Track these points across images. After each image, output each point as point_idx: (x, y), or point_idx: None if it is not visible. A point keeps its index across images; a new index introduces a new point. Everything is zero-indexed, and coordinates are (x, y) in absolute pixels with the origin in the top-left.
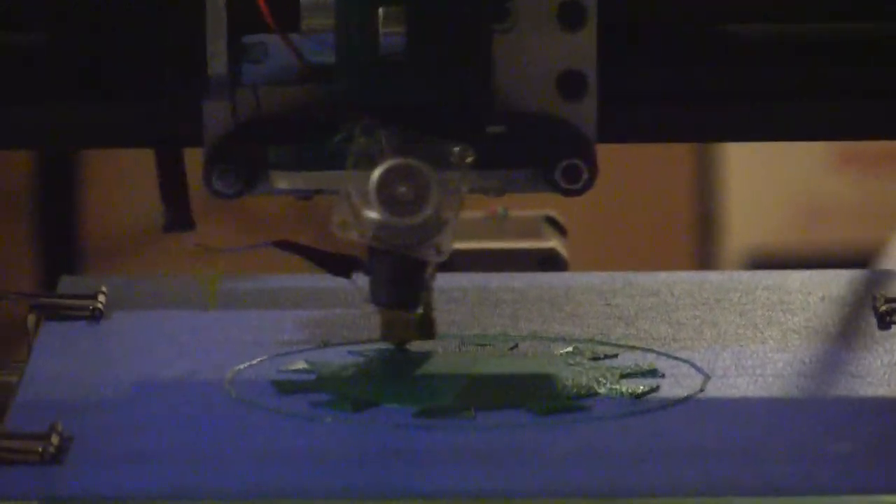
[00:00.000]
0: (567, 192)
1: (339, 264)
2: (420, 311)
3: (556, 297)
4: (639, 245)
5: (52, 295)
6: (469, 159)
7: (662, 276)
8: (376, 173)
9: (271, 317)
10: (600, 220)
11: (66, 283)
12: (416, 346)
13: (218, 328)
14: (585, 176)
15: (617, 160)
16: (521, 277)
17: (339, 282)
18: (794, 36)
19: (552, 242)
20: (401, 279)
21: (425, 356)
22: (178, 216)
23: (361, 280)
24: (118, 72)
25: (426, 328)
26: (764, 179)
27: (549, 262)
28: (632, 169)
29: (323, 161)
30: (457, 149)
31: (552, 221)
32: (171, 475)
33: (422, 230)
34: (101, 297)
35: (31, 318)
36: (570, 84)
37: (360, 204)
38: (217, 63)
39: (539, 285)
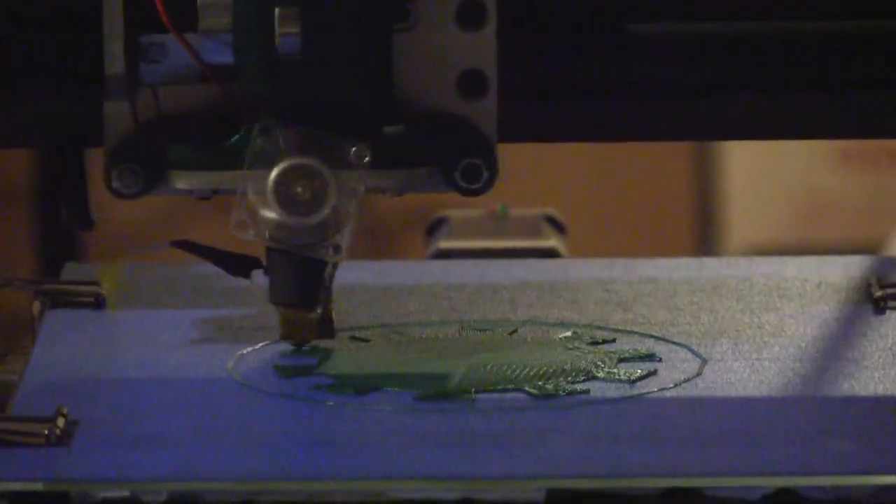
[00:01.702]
0: (467, 192)
1: (239, 264)
2: (319, 310)
3: (556, 283)
4: (638, 243)
5: (57, 282)
6: (367, 159)
7: (661, 262)
8: (273, 173)
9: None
10: (600, 218)
11: (71, 270)
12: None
13: (221, 314)
14: (486, 175)
15: (616, 158)
16: (521, 264)
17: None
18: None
19: (552, 241)
20: (299, 279)
21: (426, 341)
22: (78, 215)
23: (262, 280)
24: (17, 70)
25: (325, 327)
26: (764, 176)
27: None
28: (631, 167)
29: (222, 161)
30: (354, 148)
31: (552, 220)
32: (175, 458)
33: (319, 230)
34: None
35: (36, 305)
36: (470, 83)
37: (258, 204)
38: (115, 63)
39: (538, 271)
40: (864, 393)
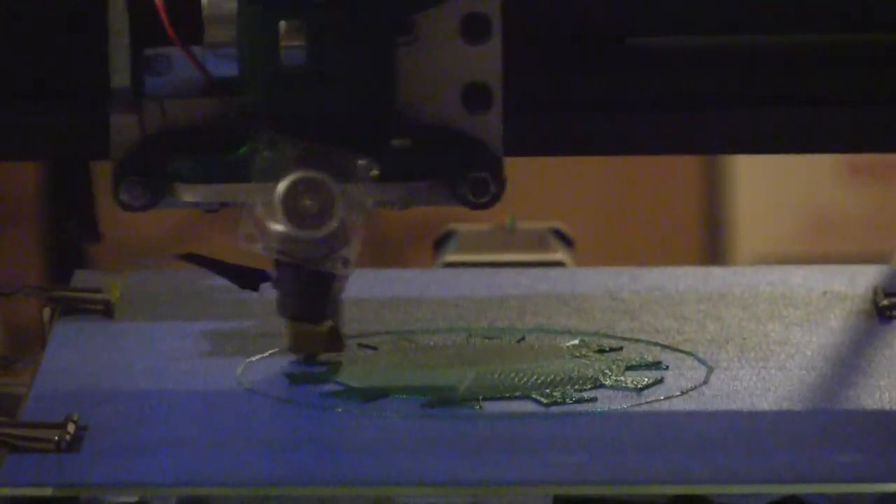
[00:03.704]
0: (474, 206)
1: (247, 277)
2: (328, 323)
3: (563, 291)
4: (646, 256)
5: (67, 289)
6: (374, 172)
7: (667, 271)
8: (281, 186)
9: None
10: (607, 232)
11: (80, 278)
12: (423, 338)
13: (229, 322)
14: (493, 189)
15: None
16: (528, 273)
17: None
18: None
19: (559, 254)
20: (307, 292)
21: (434, 349)
22: (86, 229)
23: (271, 293)
24: (22, 84)
25: (334, 341)
26: (772, 190)
27: None
28: (639, 181)
29: (228, 173)
30: (362, 162)
31: (559, 233)
32: (183, 463)
33: (327, 243)
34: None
35: (46, 312)
36: (475, 97)
37: (266, 216)
38: (120, 76)
39: (545, 280)
40: (868, 401)
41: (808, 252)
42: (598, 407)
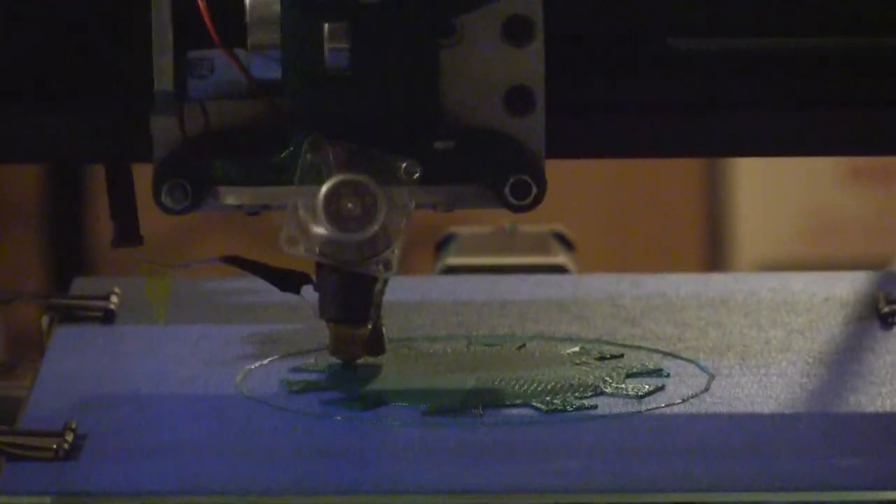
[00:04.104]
0: (516, 209)
1: (288, 280)
2: (369, 326)
3: (563, 297)
4: (647, 260)
5: (66, 296)
6: (417, 175)
7: (668, 277)
8: (324, 189)
9: (282, 315)
10: (608, 235)
11: (79, 285)
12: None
13: (229, 328)
14: (534, 191)
15: (625, 175)
16: (529, 280)
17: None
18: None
19: (560, 257)
20: (349, 294)
21: (434, 356)
22: (127, 231)
23: (311, 296)
24: (66, 86)
25: (376, 344)
26: (773, 193)
27: None
28: (640, 184)
29: (270, 176)
30: (404, 164)
31: (560, 237)
32: (182, 472)
33: (369, 246)
34: (114, 298)
35: (45, 319)
36: (517, 99)
37: (308, 219)
38: (164, 78)
39: (546, 287)
40: (870, 408)
41: (810, 255)
42: (599, 414)
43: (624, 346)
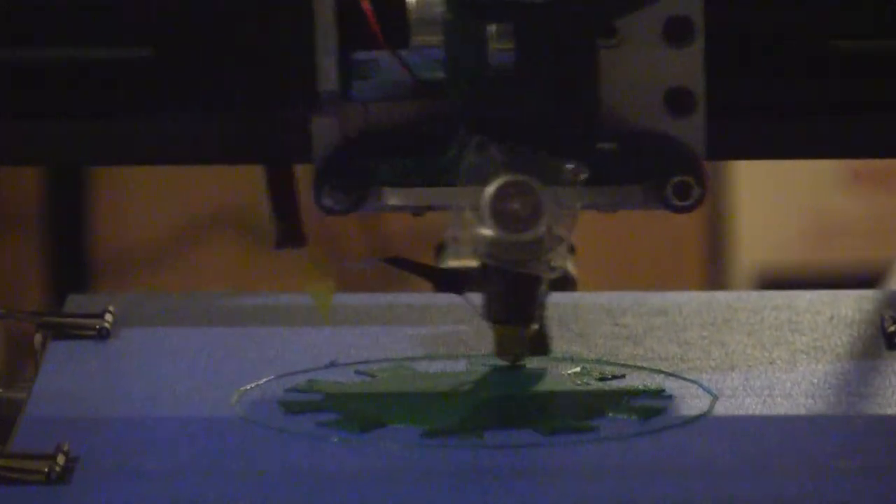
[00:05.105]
0: (678, 210)
1: (451, 281)
2: (534, 326)
3: (565, 316)
4: (648, 263)
5: (60, 314)
6: (583, 176)
7: (671, 295)
8: (490, 189)
9: (278, 335)
10: (609, 239)
11: (74, 302)
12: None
13: (224, 347)
14: (696, 192)
15: None
16: None
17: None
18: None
19: (560, 260)
20: (514, 295)
21: (433, 376)
22: (290, 232)
23: (473, 296)
24: (228, 87)
25: (540, 344)
26: (774, 197)
27: (559, 280)
28: None
29: (434, 177)
30: (571, 166)
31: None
32: (177, 495)
33: (534, 246)
34: (109, 316)
35: (38, 338)
36: (677, 100)
37: (473, 220)
38: (328, 79)
39: (547, 304)
40: (876, 430)
41: (811, 259)
42: (600, 436)
43: (626, 366)
